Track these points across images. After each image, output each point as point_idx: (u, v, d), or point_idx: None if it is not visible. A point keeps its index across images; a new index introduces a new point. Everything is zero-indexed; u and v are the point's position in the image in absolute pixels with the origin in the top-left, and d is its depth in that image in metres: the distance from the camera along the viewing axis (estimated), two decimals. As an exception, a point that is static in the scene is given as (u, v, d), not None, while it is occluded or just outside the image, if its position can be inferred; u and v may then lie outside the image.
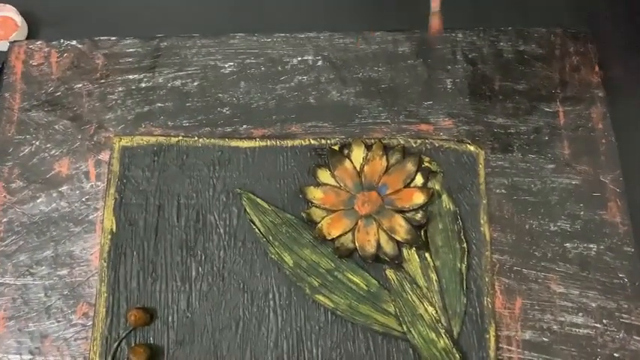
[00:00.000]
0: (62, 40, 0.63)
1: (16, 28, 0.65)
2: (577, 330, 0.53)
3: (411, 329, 0.52)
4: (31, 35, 0.66)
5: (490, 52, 0.62)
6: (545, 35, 0.62)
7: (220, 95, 0.61)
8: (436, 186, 0.56)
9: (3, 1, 0.66)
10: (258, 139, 0.59)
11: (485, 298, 0.53)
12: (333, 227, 0.55)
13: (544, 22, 0.63)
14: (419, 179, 0.56)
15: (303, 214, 0.55)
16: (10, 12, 0.66)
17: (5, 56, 0.63)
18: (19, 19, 0.65)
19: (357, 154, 0.57)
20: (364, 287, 0.54)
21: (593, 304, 0.53)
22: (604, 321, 0.53)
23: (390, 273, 0.54)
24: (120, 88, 0.61)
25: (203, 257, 0.55)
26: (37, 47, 0.63)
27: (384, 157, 0.57)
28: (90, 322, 0.53)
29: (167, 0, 0.67)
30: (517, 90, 0.60)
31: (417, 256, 0.54)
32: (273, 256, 0.55)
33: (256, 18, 0.66)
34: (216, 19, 0.66)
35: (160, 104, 0.60)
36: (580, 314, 0.53)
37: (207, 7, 0.67)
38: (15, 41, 0.64)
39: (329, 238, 0.54)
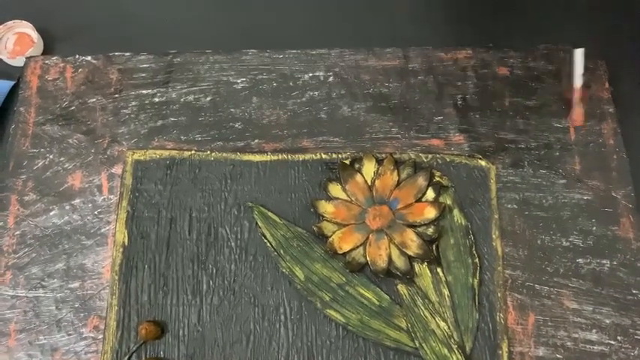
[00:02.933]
0: (77, 56, 0.64)
1: (32, 44, 0.66)
2: (591, 347, 0.52)
3: (423, 345, 0.52)
4: (47, 51, 0.67)
5: (500, 68, 0.62)
6: (554, 52, 0.62)
7: (232, 110, 0.61)
8: (447, 201, 0.56)
9: (19, 18, 0.67)
10: (269, 153, 0.59)
11: (497, 313, 0.53)
12: (344, 241, 0.55)
13: (553, 39, 0.63)
14: (430, 194, 0.56)
15: (315, 228, 0.55)
16: (27, 28, 0.67)
17: (21, 71, 0.64)
18: (35, 35, 0.66)
19: (369, 168, 0.57)
20: (376, 302, 0.54)
21: (607, 321, 0.53)
22: (618, 338, 0.52)
23: (401, 288, 0.54)
24: (133, 103, 0.62)
25: (214, 271, 0.55)
26: (53, 62, 0.64)
27: (395, 171, 0.57)
28: (100, 336, 0.53)
29: (181, 17, 0.68)
30: (527, 106, 0.60)
31: (428, 271, 0.54)
32: (284, 270, 0.55)
33: (268, 35, 0.66)
34: (229, 35, 0.67)
35: (172, 119, 0.61)
36: (594, 331, 0.52)
37: (220, 23, 0.68)
38: (31, 57, 0.65)
39: (340, 253, 0.54)
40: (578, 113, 0.57)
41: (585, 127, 0.59)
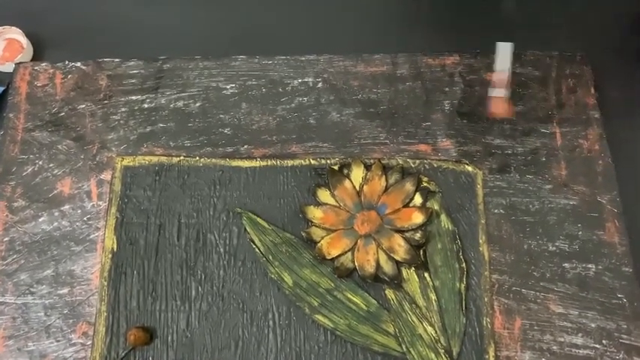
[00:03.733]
0: (67, 62, 0.64)
1: (21, 50, 0.66)
2: (577, 351, 0.52)
3: (411, 349, 0.52)
4: (36, 57, 0.67)
5: (487, 73, 0.62)
6: (541, 58, 0.63)
7: (222, 116, 0.62)
8: (435, 206, 0.57)
9: (9, 24, 0.67)
10: (258, 159, 0.59)
11: (484, 318, 0.53)
12: (332, 247, 0.55)
13: (540, 45, 0.64)
14: (418, 199, 0.57)
15: (303, 234, 0.56)
16: (16, 34, 0.67)
17: (10, 77, 0.64)
18: (24, 41, 0.66)
19: (357, 174, 0.58)
20: (364, 307, 0.54)
21: (593, 325, 0.53)
22: (603, 341, 0.53)
23: (389, 293, 0.54)
24: (123, 109, 0.62)
25: (203, 277, 0.55)
26: (42, 69, 0.64)
27: (384, 177, 0.57)
28: (89, 342, 0.53)
29: (170, 23, 0.69)
30: (514, 111, 0.61)
31: (416, 276, 0.55)
32: (272, 276, 0.55)
33: (257, 41, 0.67)
34: (218, 41, 0.67)
35: (162, 125, 0.61)
36: (579, 335, 0.53)
37: (209, 30, 0.68)
38: (20, 63, 0.65)
39: (329, 258, 0.55)
40: (496, 104, 0.57)
41: (570, 130, 0.60)
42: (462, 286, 0.54)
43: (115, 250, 0.56)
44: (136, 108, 0.62)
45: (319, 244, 0.55)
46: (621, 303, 0.54)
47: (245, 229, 0.57)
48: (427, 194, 0.57)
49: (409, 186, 0.57)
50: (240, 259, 0.56)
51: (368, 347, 0.53)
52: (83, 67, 0.64)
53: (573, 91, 0.62)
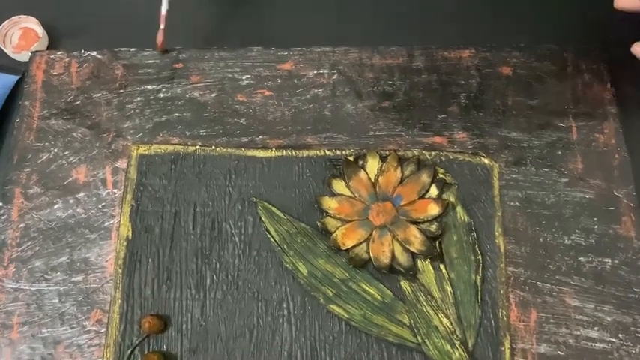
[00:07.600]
0: (82, 51, 0.64)
1: (37, 39, 0.66)
2: (592, 344, 0.52)
3: (426, 340, 0.52)
4: (52, 46, 0.67)
5: (503, 67, 0.62)
6: (557, 52, 0.63)
7: (237, 106, 0.62)
8: (451, 198, 0.57)
9: (25, 13, 0.67)
10: (274, 149, 0.59)
11: (500, 310, 0.53)
12: (347, 237, 0.55)
13: (556, 40, 0.64)
14: (433, 191, 0.56)
15: (318, 224, 0.56)
16: (32, 23, 0.67)
17: (26, 66, 0.64)
18: (40, 30, 0.66)
19: (372, 165, 0.58)
20: (379, 298, 0.54)
21: (609, 319, 0.53)
22: (619, 335, 0.52)
23: (404, 284, 0.54)
24: (138, 98, 0.62)
25: (218, 265, 0.55)
26: (58, 57, 0.64)
27: (399, 168, 0.57)
28: (103, 329, 0.53)
29: (186, 13, 0.69)
30: (530, 105, 0.61)
31: (431, 268, 0.54)
32: (287, 265, 0.55)
33: (273, 32, 0.67)
34: (234, 32, 0.67)
35: (177, 114, 0.61)
36: (595, 328, 0.53)
37: (225, 21, 0.68)
38: (36, 51, 0.65)
39: (343, 248, 0.55)
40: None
41: (585, 124, 0.59)
42: (478, 278, 0.54)
43: (130, 237, 0.56)
44: (151, 97, 0.62)
45: (334, 235, 0.55)
46: (637, 297, 0.54)
47: (260, 218, 0.56)
48: (443, 186, 0.57)
49: (425, 178, 0.57)
50: (255, 248, 0.56)
51: (383, 338, 0.52)
52: (99, 57, 0.64)
53: (589, 86, 0.62)
